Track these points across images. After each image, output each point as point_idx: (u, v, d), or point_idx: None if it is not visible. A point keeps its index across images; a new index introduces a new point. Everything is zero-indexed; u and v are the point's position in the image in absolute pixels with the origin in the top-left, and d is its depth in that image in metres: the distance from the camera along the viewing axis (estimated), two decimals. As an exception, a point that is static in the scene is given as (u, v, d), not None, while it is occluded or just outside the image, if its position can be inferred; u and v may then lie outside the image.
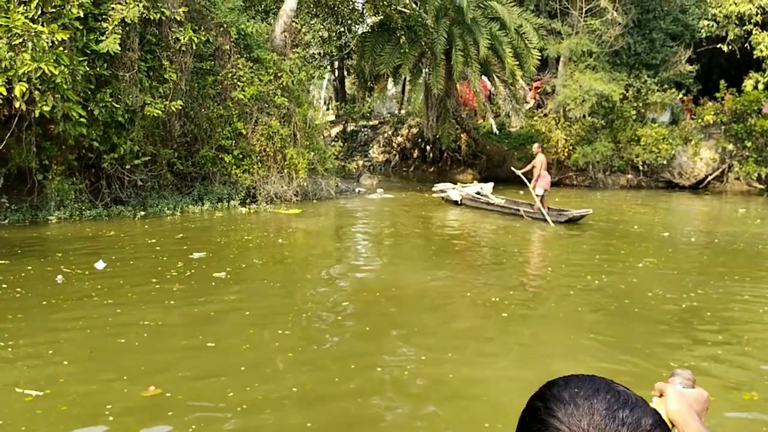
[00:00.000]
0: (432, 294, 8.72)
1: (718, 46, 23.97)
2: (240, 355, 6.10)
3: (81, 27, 12.94)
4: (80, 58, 12.78)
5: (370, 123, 33.03)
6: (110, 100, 13.48)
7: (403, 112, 31.67)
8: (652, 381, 1.35)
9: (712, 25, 23.74)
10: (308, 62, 30.63)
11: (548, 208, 15.48)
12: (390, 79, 30.44)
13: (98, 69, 13.37)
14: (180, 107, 14.64)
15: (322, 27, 30.55)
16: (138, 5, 13.44)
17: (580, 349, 6.74)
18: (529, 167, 16.22)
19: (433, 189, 19.29)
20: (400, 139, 30.48)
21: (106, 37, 13.18)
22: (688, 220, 17.82)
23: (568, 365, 6.17)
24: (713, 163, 24.51)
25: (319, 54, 33.54)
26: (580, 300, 8.59)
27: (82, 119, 13.16)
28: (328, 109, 37.18)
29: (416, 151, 29.50)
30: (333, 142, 32.01)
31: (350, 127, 33.04)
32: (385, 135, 31.46)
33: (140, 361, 5.85)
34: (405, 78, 25.29)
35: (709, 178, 24.49)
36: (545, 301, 8.75)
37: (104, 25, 13.38)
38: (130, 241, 11.24)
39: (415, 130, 29.02)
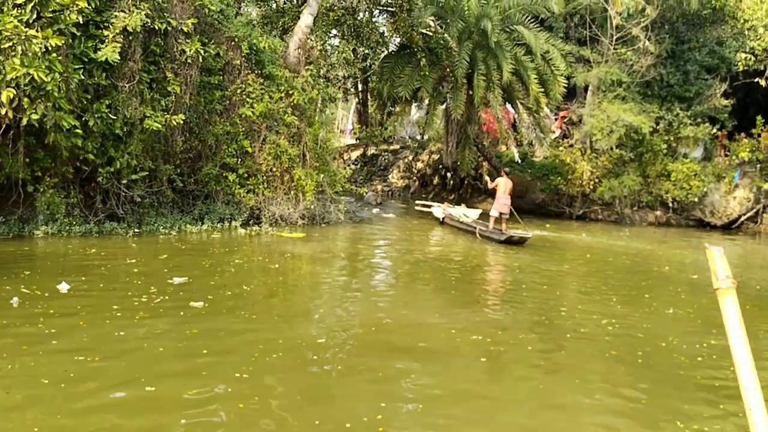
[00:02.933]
0: (428, 337, 7.78)
1: (756, 80, 22.85)
2: (177, 406, 5.22)
3: (79, 33, 12.33)
4: (76, 66, 12.15)
5: (391, 147, 32.32)
6: (106, 111, 12.82)
7: (425, 137, 30.89)
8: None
9: (750, 59, 22.69)
10: (332, 84, 30.16)
11: (498, 229, 16.58)
12: (414, 104, 29.79)
13: (96, 78, 12.75)
14: (182, 121, 13.93)
15: (346, 48, 30.01)
16: (140, 13, 12.82)
17: (587, 408, 5.77)
18: (491, 187, 17.42)
19: (416, 203, 21.34)
20: (420, 164, 29.69)
21: (106, 45, 12.56)
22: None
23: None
24: (747, 203, 23.29)
25: (344, 76, 32.99)
26: (594, 350, 7.59)
27: (77, 130, 12.54)
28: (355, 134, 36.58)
29: (436, 177, 28.66)
30: (349, 165, 31.46)
31: (371, 150, 32.35)
32: (406, 160, 30.70)
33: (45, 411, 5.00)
34: (428, 103, 24.52)
35: (743, 218, 23.26)
36: (557, 349, 7.76)
37: (105, 32, 12.77)
38: (109, 261, 10.45)
39: (436, 156, 28.22)
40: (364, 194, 22.99)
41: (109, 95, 13.12)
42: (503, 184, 16.71)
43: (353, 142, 36.35)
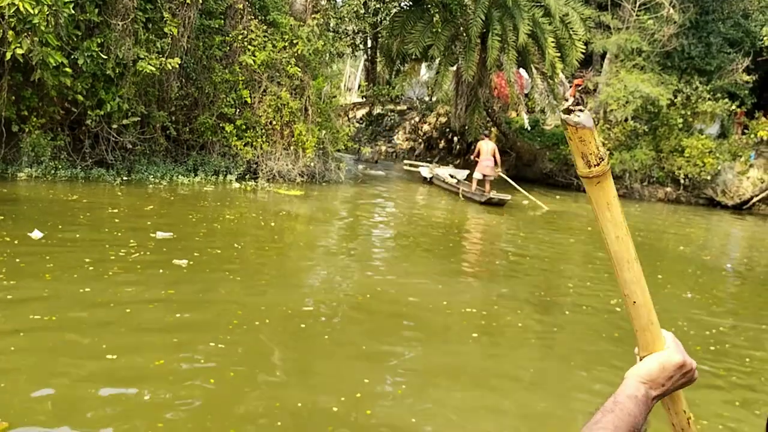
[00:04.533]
0: (423, 309, 7.19)
1: (781, 56, 21.91)
2: (146, 372, 4.65)
3: (71, -36, 11.54)
4: (66, 0, 11.38)
5: (398, 108, 31.41)
6: (97, 49, 12.07)
7: (433, 99, 29.96)
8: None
9: (777, 34, 21.66)
10: (340, 38, 29.13)
11: (480, 190, 16.81)
12: (424, 64, 28.82)
13: (88, 14, 11.97)
14: (177, 65, 13.18)
15: (357, 1, 28.91)
16: (137, -54, 12.01)
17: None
18: (474, 153, 17.62)
19: (404, 163, 21.98)
20: (427, 127, 28.85)
21: (99, -21, 11.79)
22: (734, 244, 16.06)
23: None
24: (761, 184, 22.52)
25: (353, 31, 31.90)
26: (595, 329, 7.01)
27: (65, 69, 11.84)
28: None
29: (443, 141, 27.86)
30: (353, 124, 30.64)
31: (377, 110, 31.45)
32: (412, 122, 29.85)
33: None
34: (438, 62, 23.62)
35: (755, 199, 22.52)
36: (558, 327, 7.19)
37: (99, -35, 11.98)
38: (91, 210, 9.83)
39: (443, 119, 27.36)
40: (363, 153, 22.73)
41: (101, 33, 12.37)
42: (485, 147, 16.97)
43: (359, 100, 35.42)
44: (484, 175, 16.83)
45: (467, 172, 19.59)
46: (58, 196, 10.63)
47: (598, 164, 1.12)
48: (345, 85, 51.32)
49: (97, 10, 12.09)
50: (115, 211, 9.94)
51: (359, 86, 38.49)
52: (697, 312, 8.39)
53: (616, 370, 6.07)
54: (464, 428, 4.64)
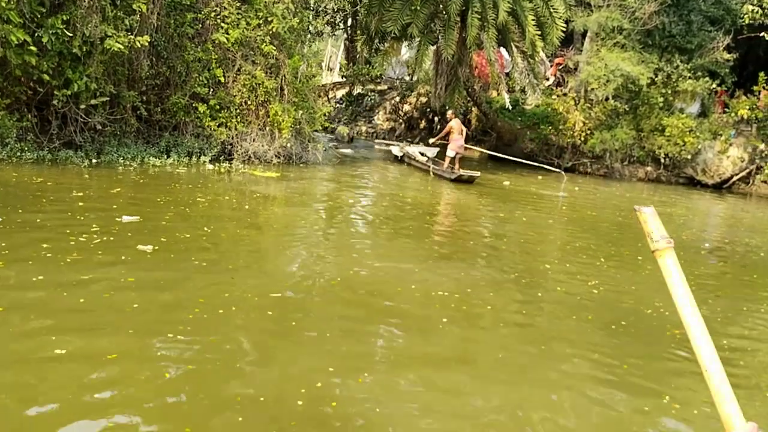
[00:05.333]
0: (399, 294, 6.99)
1: (761, 34, 21.78)
2: (97, 368, 4.41)
3: (32, -62, 11.10)
4: (28, -25, 10.96)
5: (378, 88, 31.04)
6: (62, 27, 11.65)
7: (414, 78, 29.59)
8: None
9: (757, 11, 21.52)
10: (318, 15, 28.62)
11: (450, 167, 17.12)
12: (404, 43, 28.44)
13: (52, -10, 11.55)
14: (147, 43, 12.78)
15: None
16: None
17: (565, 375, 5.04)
18: (444, 133, 17.82)
19: (375, 142, 23.28)
20: (407, 107, 28.56)
21: (62, -47, 11.35)
22: (713, 223, 16.00)
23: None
24: (741, 163, 22.52)
25: (333, 9, 31.38)
26: (573, 313, 6.85)
27: (30, 47, 11.44)
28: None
29: (423, 121, 27.61)
30: (334, 104, 30.25)
31: (357, 90, 31.05)
32: (393, 102, 29.52)
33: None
34: (418, 41, 23.22)
35: (735, 178, 22.53)
36: (537, 310, 7.02)
37: (63, -61, 11.53)
38: (54, 193, 9.49)
39: (424, 99, 27.09)
40: (340, 132, 22.78)
41: (66, 10, 11.93)
42: (456, 126, 17.36)
43: (340, 80, 34.96)
44: (457, 153, 17.19)
45: (437, 149, 19.84)
46: (21, 179, 10.27)
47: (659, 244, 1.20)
48: (327, 65, 50.75)
49: (61, -14, 11.67)
50: (81, 194, 9.60)
51: (340, 66, 38.00)
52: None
53: (593, 354, 5.92)
54: (432, 419, 4.45)
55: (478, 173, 16.92)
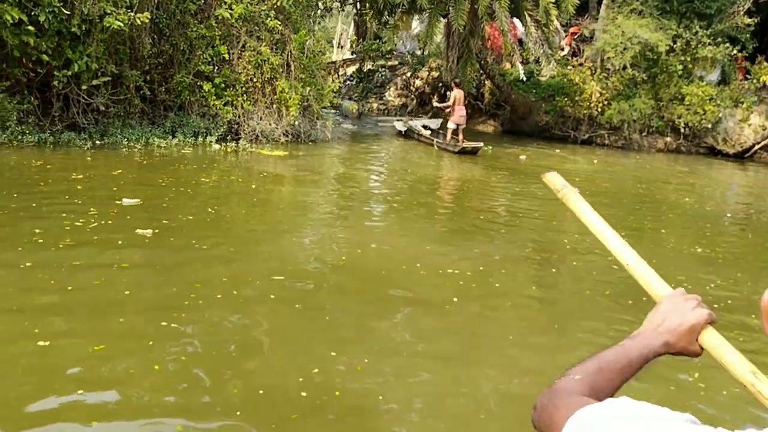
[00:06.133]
0: (403, 270, 6.64)
1: (784, -3, 21.00)
2: (80, 360, 4.11)
3: None
4: (22, -49, 10.60)
5: (389, 63, 30.48)
6: (59, 5, 11.30)
7: (425, 52, 29.01)
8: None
9: (780, -27, 20.73)
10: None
11: (454, 139, 16.91)
12: (415, 17, 27.83)
13: (48, -34, 11.17)
14: (147, 20, 12.41)
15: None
16: None
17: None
18: (449, 103, 17.48)
19: (378, 119, 23.39)
20: (419, 82, 27.97)
21: (57, -73, 10.96)
22: (736, 192, 15.49)
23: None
24: (762, 131, 21.84)
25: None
26: (590, 289, 6.48)
27: (28, 27, 11.12)
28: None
29: (436, 96, 27.05)
30: (344, 80, 29.76)
31: (367, 66, 30.52)
32: (404, 77, 28.97)
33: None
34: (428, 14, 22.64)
35: (757, 147, 21.85)
36: (553, 287, 6.66)
37: None
38: (53, 175, 9.21)
39: (435, 74, 26.51)
40: (348, 108, 22.44)
41: (63, -13, 11.56)
42: (459, 96, 17.15)
43: (351, 57, 34.41)
44: (458, 125, 16.99)
45: (440, 121, 19.59)
46: (20, 162, 10.00)
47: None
48: (338, 42, 50.10)
49: (57, -38, 11.28)
50: (80, 176, 9.31)
51: (350, 43, 37.44)
52: (706, 268, 7.86)
53: (615, 331, 5.56)
54: (440, 409, 4.13)
55: (481, 144, 16.81)
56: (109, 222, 7.25)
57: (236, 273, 6.04)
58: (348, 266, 6.77)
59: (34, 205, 7.58)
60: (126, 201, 8.19)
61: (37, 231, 6.45)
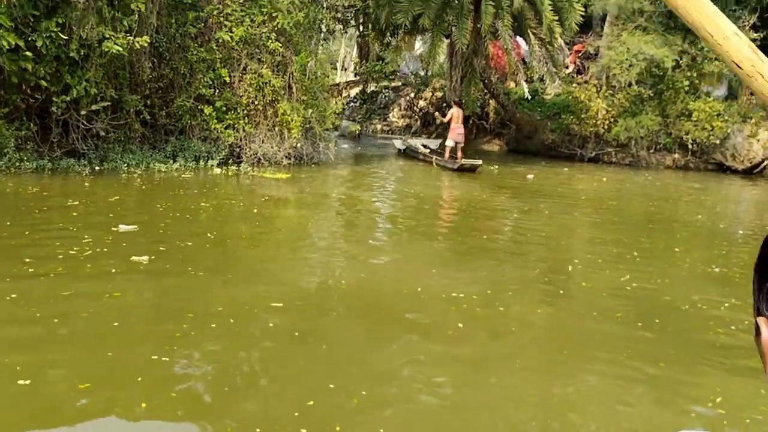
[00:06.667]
0: (415, 300, 6.37)
1: (790, 11, 20.80)
2: (62, 401, 3.84)
3: (22, -62, 10.63)
4: (18, -23, 10.48)
5: (393, 84, 30.39)
6: (57, 30, 11.17)
7: (428, 73, 28.92)
8: None
9: (785, -13, 20.56)
10: (324, 7, 28.00)
11: (452, 157, 16.94)
12: (418, 38, 27.79)
13: (46, -9, 11.07)
14: (147, 44, 12.28)
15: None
16: None
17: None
18: (447, 118, 17.83)
19: (378, 137, 24.62)
20: (422, 102, 27.86)
21: (54, -47, 10.86)
22: (747, 209, 15.17)
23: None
24: (772, 146, 21.54)
25: (342, 6, 30.76)
26: (600, 312, 6.19)
27: (26, 53, 10.99)
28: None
29: (437, 111, 26.90)
30: (349, 102, 29.69)
31: (371, 87, 30.44)
32: (407, 98, 28.87)
33: None
34: (431, 33, 22.56)
35: (766, 162, 21.55)
36: (562, 309, 6.37)
37: (54, -61, 11.05)
38: (49, 202, 9.02)
39: (439, 94, 26.39)
40: (347, 128, 22.42)
41: (61, 12, 11.45)
42: (457, 114, 17.44)
43: (354, 78, 34.39)
44: (456, 143, 17.19)
45: (439, 140, 19.76)
46: (16, 190, 9.80)
47: None
48: (342, 65, 50.22)
49: (55, -13, 11.18)
50: (77, 203, 9.10)
51: (354, 65, 37.46)
52: (722, 289, 7.56)
53: (627, 356, 5.27)
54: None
55: (480, 161, 16.77)
56: (104, 249, 7.01)
57: (233, 301, 5.78)
58: (349, 291, 6.51)
59: (27, 233, 7.36)
60: (123, 227, 7.96)
61: (27, 260, 6.21)
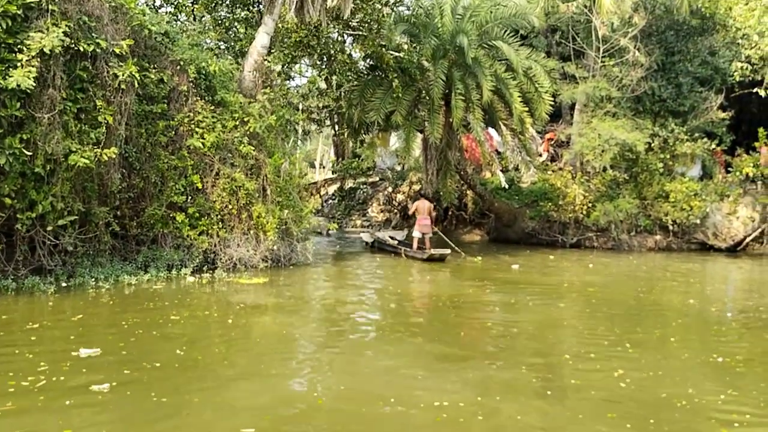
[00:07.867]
0: (393, 411, 5.87)
1: (755, 90, 21.29)
2: None
3: (-16, 58, 10.54)
4: (-20, 96, 10.31)
5: (370, 180, 30.55)
6: (20, 146, 10.94)
7: (405, 167, 29.12)
8: None
9: (746, 68, 21.13)
10: (304, 113, 28.40)
11: (420, 248, 17.68)
12: (393, 133, 28.13)
13: (9, 109, 10.88)
14: (115, 155, 12.06)
15: (318, 78, 28.29)
16: (58, 32, 11.03)
17: None
18: (411, 211, 19.07)
19: (346, 230, 25.13)
20: (401, 196, 27.92)
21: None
22: (736, 288, 14.88)
23: None
24: (752, 222, 21.59)
25: (316, 107, 31.22)
26: (595, 413, 5.71)
27: (-12, 170, 10.71)
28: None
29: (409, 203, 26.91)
30: (328, 200, 29.69)
31: (348, 184, 30.57)
32: (386, 192, 28.94)
33: None
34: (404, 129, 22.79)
35: (748, 239, 21.52)
36: (556, 412, 5.88)
37: (19, 56, 10.96)
38: (7, 327, 8.47)
39: (416, 187, 26.46)
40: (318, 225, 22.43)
41: (26, 128, 11.24)
42: (421, 206, 18.12)
43: (332, 176, 34.61)
44: (423, 234, 17.79)
45: (406, 232, 20.63)
46: (-27, 315, 9.25)
47: None
48: (319, 163, 50.80)
49: (19, 104, 11.01)
50: (36, 326, 8.56)
51: (331, 163, 37.82)
52: (721, 380, 7.12)
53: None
54: None
55: (449, 250, 17.37)
56: (61, 378, 6.48)
57: (199, 430, 5.25)
58: (326, 408, 6.02)
59: (-24, 363, 6.82)
60: (84, 351, 7.44)
61: (-30, 398, 5.68)
